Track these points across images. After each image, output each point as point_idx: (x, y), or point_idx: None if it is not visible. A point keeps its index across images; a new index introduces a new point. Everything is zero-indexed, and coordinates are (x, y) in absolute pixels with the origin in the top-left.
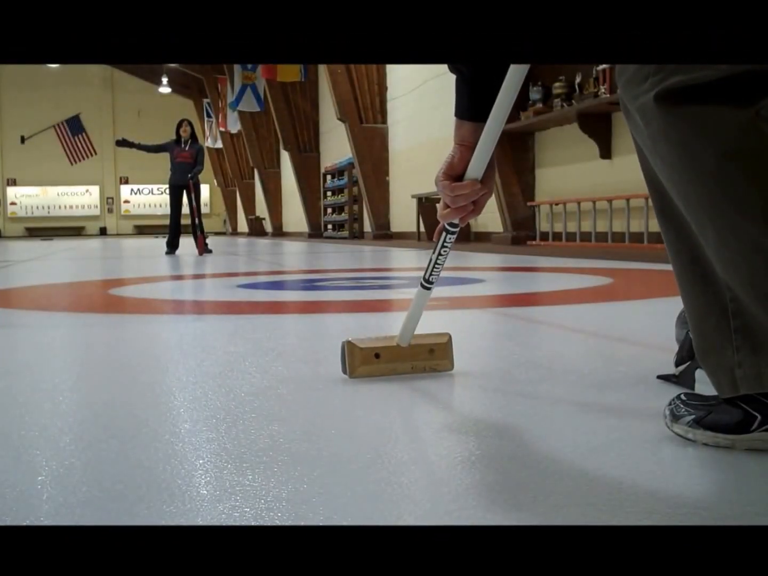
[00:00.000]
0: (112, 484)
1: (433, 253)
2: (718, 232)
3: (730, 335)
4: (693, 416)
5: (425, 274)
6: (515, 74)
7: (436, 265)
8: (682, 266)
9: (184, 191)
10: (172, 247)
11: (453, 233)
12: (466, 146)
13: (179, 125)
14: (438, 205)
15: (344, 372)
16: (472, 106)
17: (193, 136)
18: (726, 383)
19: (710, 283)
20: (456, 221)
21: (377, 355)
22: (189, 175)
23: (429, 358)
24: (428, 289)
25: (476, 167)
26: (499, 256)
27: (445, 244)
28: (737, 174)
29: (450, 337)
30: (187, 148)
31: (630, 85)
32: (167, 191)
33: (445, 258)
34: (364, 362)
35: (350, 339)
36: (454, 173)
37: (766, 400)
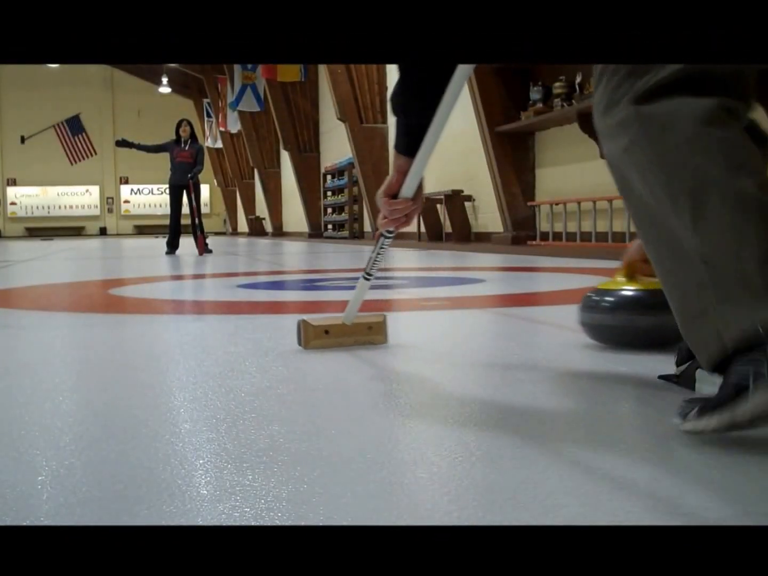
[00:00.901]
0: (112, 484)
1: (373, 252)
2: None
3: (708, 297)
4: (698, 407)
5: (366, 267)
6: (440, 121)
7: (375, 261)
8: (657, 244)
9: (184, 191)
10: (172, 247)
11: (389, 238)
12: (402, 173)
13: (179, 125)
14: (378, 216)
15: (299, 344)
16: (409, 146)
17: (192, 135)
18: (715, 349)
19: (683, 256)
20: (392, 229)
21: (326, 331)
22: (189, 175)
23: (368, 333)
24: (368, 279)
25: (409, 188)
26: (500, 256)
27: (383, 245)
28: (705, 148)
29: (385, 317)
30: (186, 148)
31: (608, 109)
32: (167, 191)
33: (383, 256)
34: (316, 337)
35: (304, 318)
36: (392, 192)
37: (756, 357)
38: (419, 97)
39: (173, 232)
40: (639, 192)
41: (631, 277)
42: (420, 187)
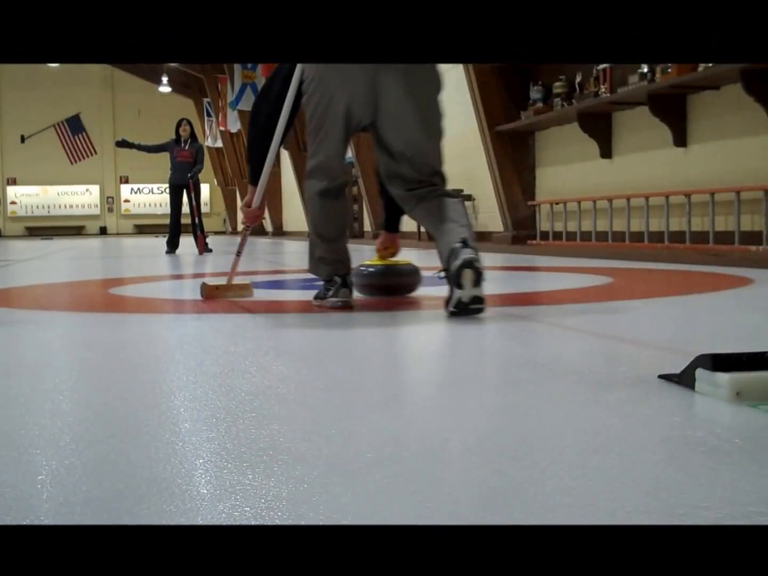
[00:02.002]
0: (112, 484)
1: (242, 239)
2: None
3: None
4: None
5: (238, 249)
6: (267, 167)
7: (242, 246)
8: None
9: (184, 190)
10: (173, 246)
11: (249, 229)
12: (252, 194)
13: (179, 124)
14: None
15: (201, 297)
16: (254, 180)
17: (192, 135)
18: (323, 273)
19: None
20: (249, 225)
21: (217, 288)
22: (189, 175)
23: (240, 291)
24: (239, 256)
25: (256, 201)
26: (500, 255)
27: (246, 235)
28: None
29: (251, 282)
30: (186, 148)
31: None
32: (167, 191)
33: (246, 241)
34: (210, 292)
35: (204, 281)
36: (248, 204)
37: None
38: (256, 159)
39: (173, 231)
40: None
41: (381, 257)
42: (263, 199)
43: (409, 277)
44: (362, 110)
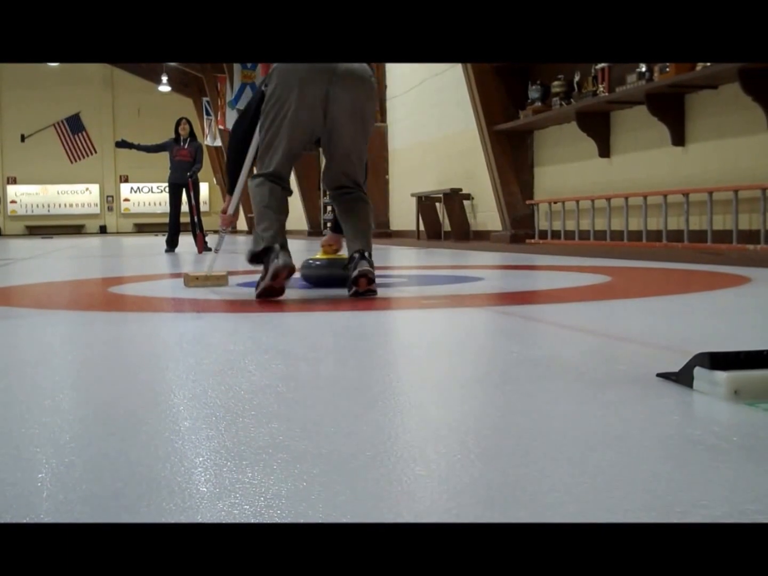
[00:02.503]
0: (112, 482)
1: (219, 239)
2: None
3: (259, 241)
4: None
5: (216, 246)
6: (241, 179)
7: (220, 245)
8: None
9: (184, 189)
10: (172, 245)
11: (225, 233)
12: (228, 202)
13: (178, 123)
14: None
15: (185, 285)
16: (231, 189)
17: (192, 134)
18: (266, 241)
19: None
20: (225, 228)
21: (197, 277)
22: (188, 174)
23: (217, 280)
24: (217, 252)
25: (232, 208)
26: (498, 254)
27: (223, 236)
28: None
29: (227, 273)
30: (186, 147)
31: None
32: (167, 190)
33: (223, 241)
34: (191, 281)
35: (186, 271)
36: (224, 210)
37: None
38: (232, 172)
39: (172, 230)
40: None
41: (325, 252)
42: (237, 206)
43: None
44: (314, 123)
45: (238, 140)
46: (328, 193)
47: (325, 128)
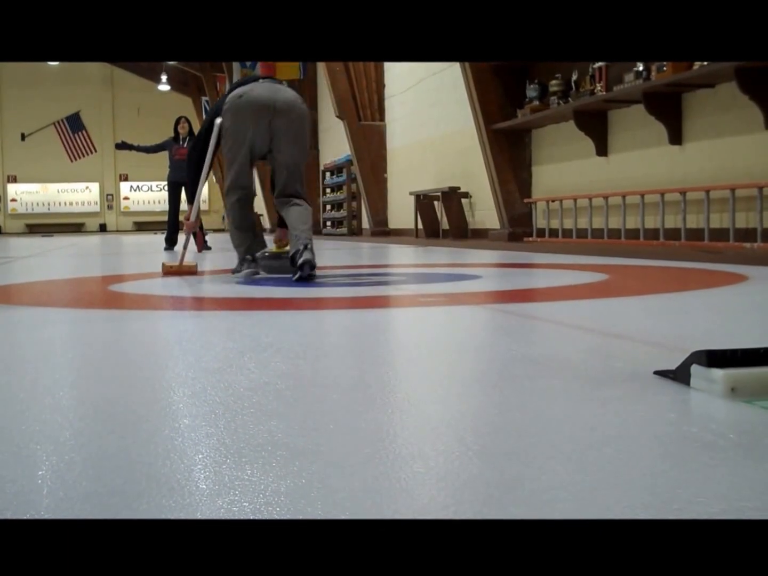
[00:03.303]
0: (111, 479)
1: (186, 241)
2: None
3: (242, 252)
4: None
5: (185, 244)
6: (199, 189)
7: (186, 243)
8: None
9: (183, 188)
10: (171, 243)
11: (190, 233)
12: (190, 210)
13: (177, 122)
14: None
15: (162, 274)
16: (191, 200)
17: (191, 133)
18: (241, 254)
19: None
20: (188, 231)
21: (171, 267)
22: None
23: (190, 270)
24: (185, 249)
25: (193, 216)
26: (496, 252)
27: (188, 238)
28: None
29: (196, 263)
30: (185, 145)
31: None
32: (166, 188)
33: (189, 241)
34: (167, 270)
35: (163, 261)
36: (187, 217)
37: (249, 260)
38: (191, 187)
39: (171, 228)
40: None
41: (278, 247)
42: (198, 214)
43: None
44: (262, 145)
45: (194, 162)
46: (274, 199)
47: (271, 149)
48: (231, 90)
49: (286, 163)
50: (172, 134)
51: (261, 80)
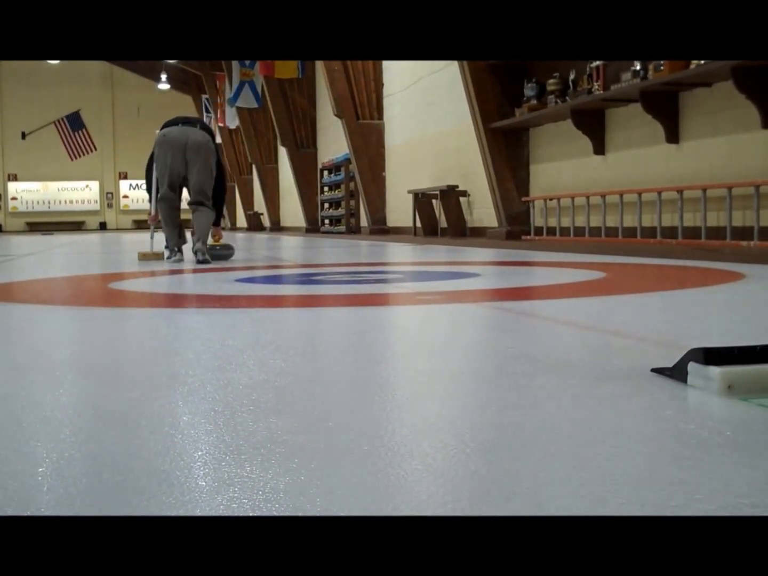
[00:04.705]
0: (111, 476)
1: (151, 233)
2: None
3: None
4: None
5: (150, 232)
6: (153, 195)
7: (153, 235)
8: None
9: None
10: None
11: (152, 225)
12: (150, 209)
13: None
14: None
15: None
16: (151, 200)
17: None
18: (171, 246)
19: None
20: (152, 224)
21: (145, 255)
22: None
23: (156, 257)
24: (152, 238)
25: (152, 211)
26: (494, 250)
27: (152, 228)
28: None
29: (163, 251)
30: None
31: None
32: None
33: (152, 232)
34: (142, 257)
35: (140, 251)
36: (149, 212)
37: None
38: (149, 190)
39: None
40: None
41: (216, 240)
42: (156, 210)
43: (226, 249)
44: (180, 170)
45: (147, 173)
46: (188, 204)
47: (186, 173)
48: (161, 129)
49: (194, 183)
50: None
51: (180, 124)
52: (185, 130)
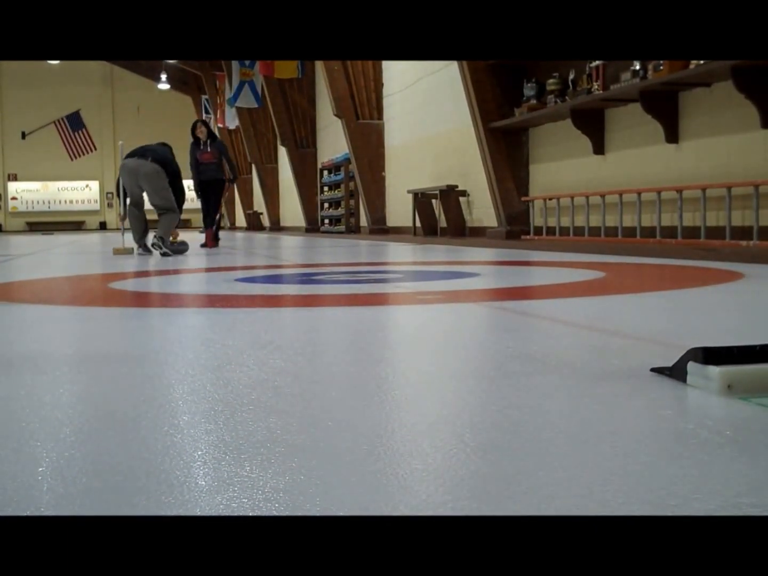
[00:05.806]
0: (111, 476)
1: (122, 230)
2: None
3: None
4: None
5: (122, 227)
6: (124, 205)
7: (124, 230)
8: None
9: (209, 186)
10: (215, 239)
11: (123, 221)
12: (124, 213)
13: (194, 128)
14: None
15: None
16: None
17: (210, 134)
18: (139, 244)
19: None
20: (122, 220)
21: (118, 250)
22: (231, 177)
23: (124, 252)
24: (124, 232)
25: (123, 214)
26: (494, 250)
27: (122, 224)
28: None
29: (133, 248)
30: (209, 149)
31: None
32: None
33: (123, 228)
34: (116, 252)
35: (114, 246)
36: (120, 215)
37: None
38: (123, 199)
39: (211, 223)
40: None
41: (174, 238)
42: (125, 211)
43: (181, 245)
44: (138, 191)
45: (117, 185)
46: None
47: (143, 192)
48: (124, 158)
49: (153, 201)
50: (191, 139)
51: (137, 157)
52: (138, 163)
